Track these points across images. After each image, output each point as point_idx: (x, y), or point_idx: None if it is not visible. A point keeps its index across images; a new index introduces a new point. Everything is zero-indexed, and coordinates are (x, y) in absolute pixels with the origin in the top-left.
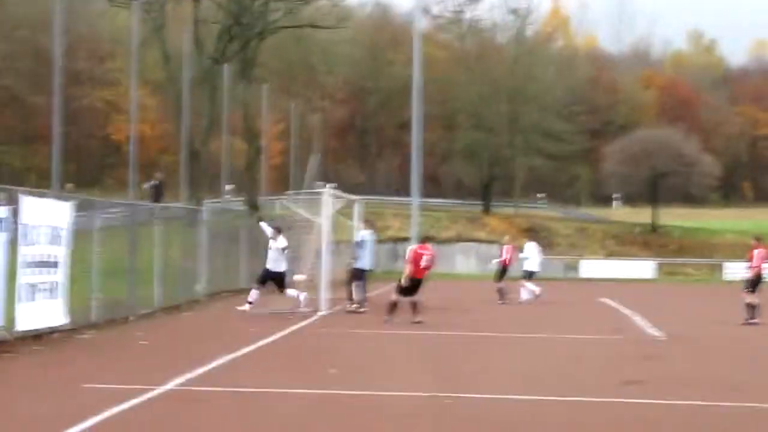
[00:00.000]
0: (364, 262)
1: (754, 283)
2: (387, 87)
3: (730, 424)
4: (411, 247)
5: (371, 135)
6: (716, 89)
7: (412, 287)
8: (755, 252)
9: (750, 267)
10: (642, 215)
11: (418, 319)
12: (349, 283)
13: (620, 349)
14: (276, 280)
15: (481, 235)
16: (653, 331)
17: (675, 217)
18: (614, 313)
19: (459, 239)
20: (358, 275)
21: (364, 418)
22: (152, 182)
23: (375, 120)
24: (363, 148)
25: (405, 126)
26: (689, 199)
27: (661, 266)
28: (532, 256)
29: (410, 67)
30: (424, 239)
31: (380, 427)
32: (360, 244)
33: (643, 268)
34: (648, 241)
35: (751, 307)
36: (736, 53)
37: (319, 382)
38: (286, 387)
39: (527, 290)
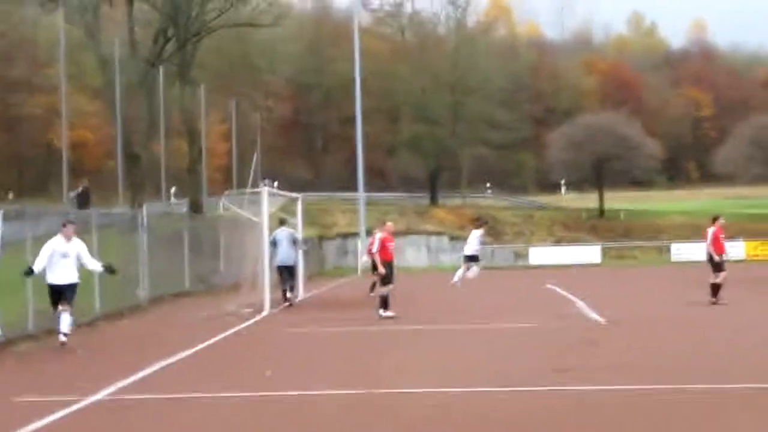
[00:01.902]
0: (278, 258)
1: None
2: (330, 83)
3: (658, 407)
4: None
5: (316, 131)
6: (658, 72)
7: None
8: (709, 231)
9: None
10: (588, 200)
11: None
12: (279, 282)
13: (559, 336)
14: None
15: (429, 227)
16: (595, 317)
17: (621, 200)
18: (558, 300)
19: (408, 232)
20: (279, 273)
21: (293, 420)
22: (78, 190)
23: (319, 116)
24: (309, 144)
25: (349, 121)
26: (635, 182)
27: (608, 250)
28: (471, 242)
29: (352, 61)
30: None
31: (308, 428)
32: (273, 243)
33: (591, 252)
34: (595, 225)
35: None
36: (675, 35)
37: (254, 385)
38: (219, 391)
39: (471, 271)
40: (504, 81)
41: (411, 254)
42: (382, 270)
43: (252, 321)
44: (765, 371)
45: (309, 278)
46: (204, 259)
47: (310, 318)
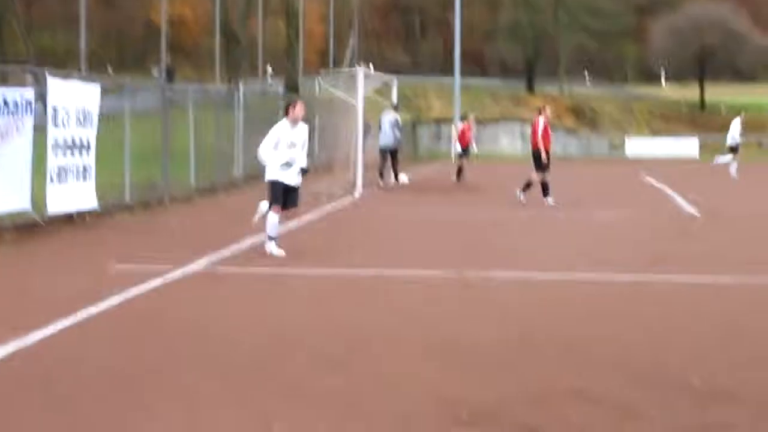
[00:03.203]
0: (380, 141)
1: None
2: None
3: (754, 298)
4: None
5: (414, 15)
6: None
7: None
8: None
9: None
10: (689, 93)
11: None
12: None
13: (655, 227)
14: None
15: (525, 114)
16: (691, 209)
17: (723, 94)
18: (654, 191)
19: (502, 119)
20: (381, 155)
21: (382, 297)
22: (160, 66)
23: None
24: (406, 28)
25: (448, 5)
26: (738, 75)
27: (707, 144)
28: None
29: None
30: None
31: (398, 306)
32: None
33: (689, 145)
34: (695, 118)
35: None
36: None
37: (345, 263)
38: (311, 267)
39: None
40: None
41: (505, 141)
42: (545, 157)
43: (346, 201)
44: None
45: (402, 162)
46: None
47: (403, 200)
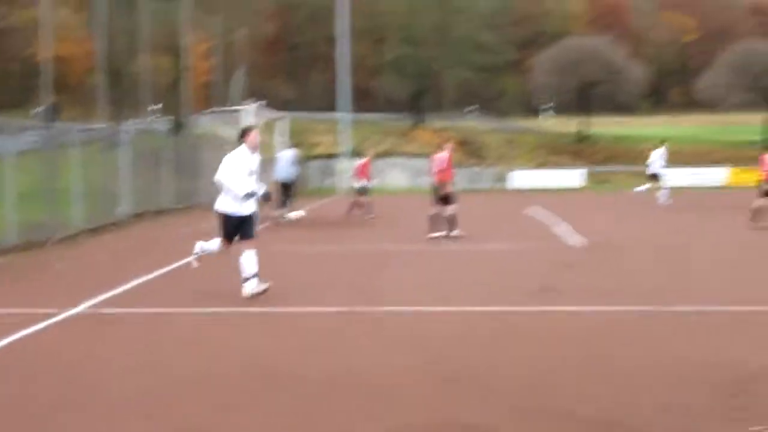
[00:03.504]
0: (277, 176)
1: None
2: (315, 1)
3: (637, 328)
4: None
5: (301, 50)
6: None
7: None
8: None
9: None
10: (572, 125)
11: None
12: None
13: (541, 258)
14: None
15: (413, 148)
16: (576, 239)
17: (605, 125)
18: (539, 223)
19: (390, 153)
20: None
21: (271, 335)
22: (44, 107)
23: (304, 35)
24: (293, 63)
25: (334, 41)
26: (619, 107)
27: (590, 175)
28: (654, 161)
29: None
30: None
31: (292, 343)
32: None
33: (572, 177)
34: (578, 150)
35: (758, 212)
36: None
37: (235, 301)
38: (198, 306)
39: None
40: (490, 2)
41: (392, 176)
42: (450, 189)
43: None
44: (743, 294)
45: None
46: (185, 177)
47: (295, 237)
